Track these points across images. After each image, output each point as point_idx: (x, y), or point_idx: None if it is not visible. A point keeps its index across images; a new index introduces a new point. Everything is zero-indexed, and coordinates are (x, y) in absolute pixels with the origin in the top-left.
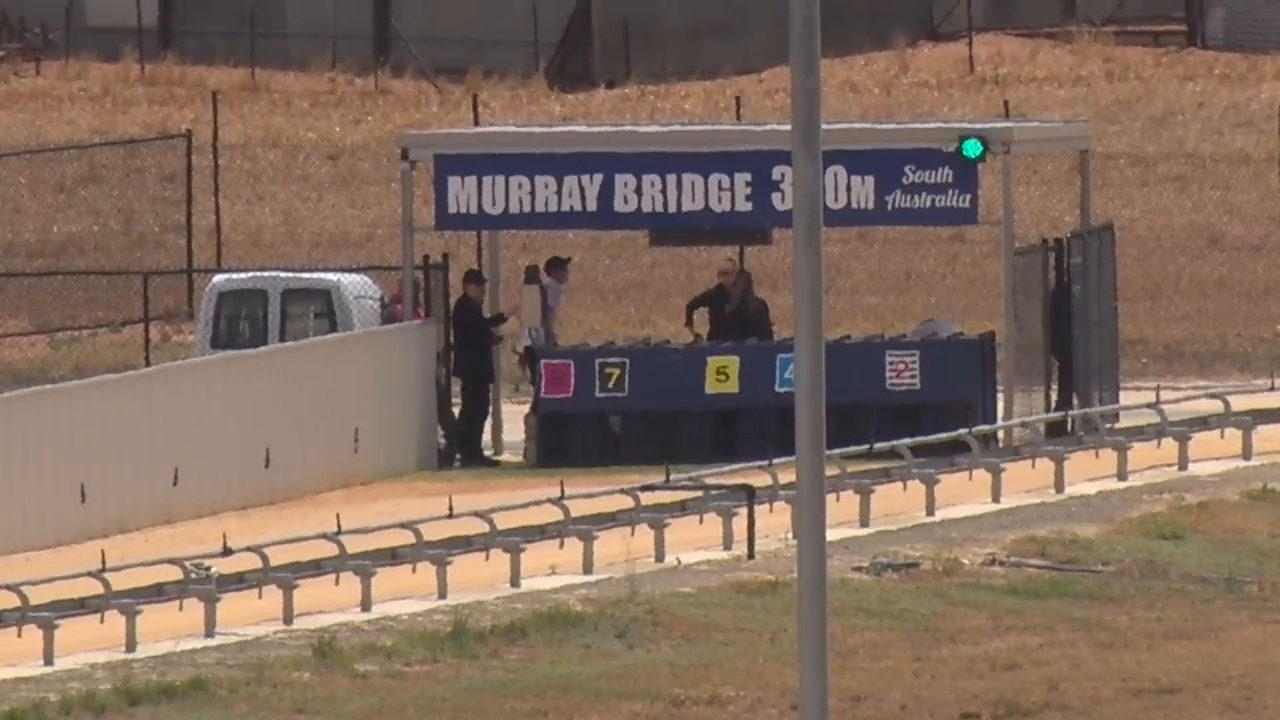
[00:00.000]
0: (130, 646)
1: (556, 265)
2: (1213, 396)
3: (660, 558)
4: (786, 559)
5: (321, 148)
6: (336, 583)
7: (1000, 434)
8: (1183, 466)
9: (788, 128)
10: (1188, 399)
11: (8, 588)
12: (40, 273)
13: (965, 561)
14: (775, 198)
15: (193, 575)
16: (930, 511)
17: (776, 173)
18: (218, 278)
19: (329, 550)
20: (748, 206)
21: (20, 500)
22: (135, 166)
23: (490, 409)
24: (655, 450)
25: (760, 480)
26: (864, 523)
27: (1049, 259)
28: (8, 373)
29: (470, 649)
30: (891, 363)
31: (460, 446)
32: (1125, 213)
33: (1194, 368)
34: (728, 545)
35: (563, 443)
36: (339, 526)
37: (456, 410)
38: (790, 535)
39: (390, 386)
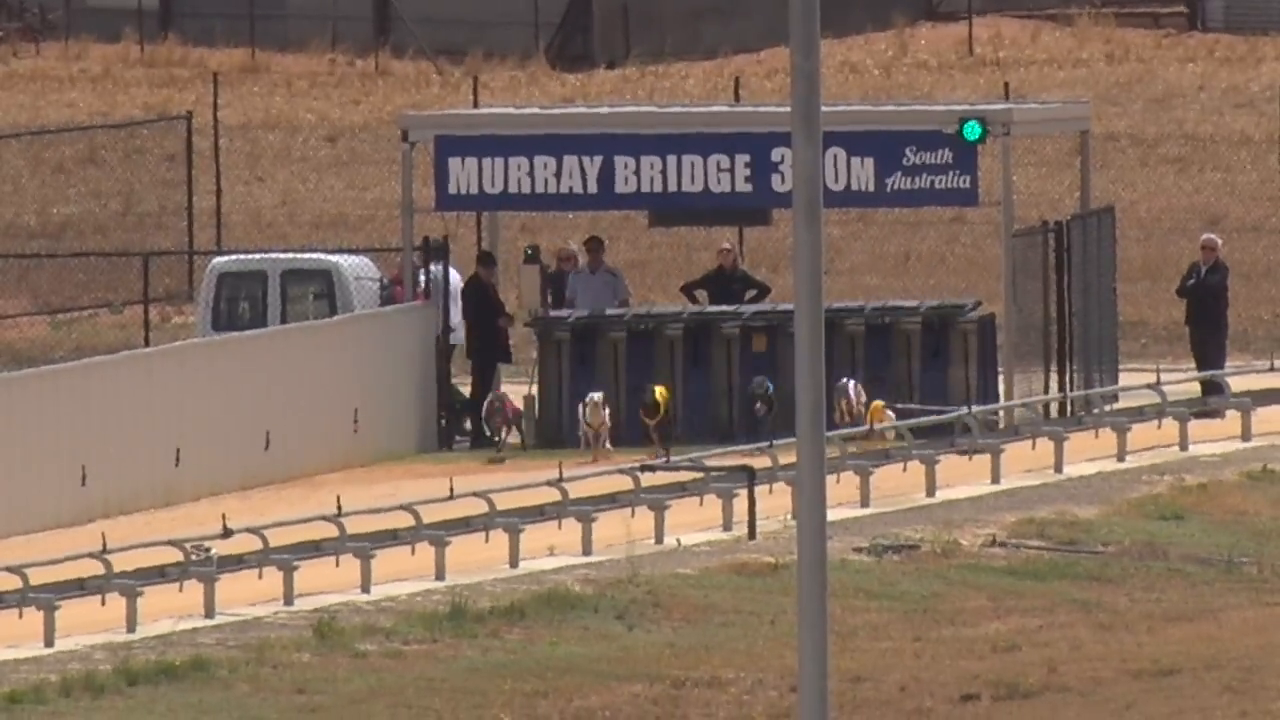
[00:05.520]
0: (130, 627)
1: (596, 248)
2: (1212, 377)
3: (660, 539)
4: (787, 540)
5: (321, 129)
6: (336, 564)
7: (1000, 415)
8: (1183, 447)
9: (787, 109)
10: (1188, 380)
11: (8, 569)
12: (41, 254)
13: (965, 543)
14: (775, 179)
15: (193, 556)
16: (930, 493)
17: (776, 154)
18: (218, 259)
19: (329, 531)
20: (747, 188)
21: (21, 481)
22: (135, 148)
23: (492, 389)
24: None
25: (760, 462)
26: (864, 504)
27: (1049, 241)
28: (8, 353)
29: (469, 629)
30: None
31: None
32: (1125, 194)
33: None
34: (728, 527)
35: (562, 424)
36: (339, 508)
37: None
38: (790, 517)
39: (390, 368)
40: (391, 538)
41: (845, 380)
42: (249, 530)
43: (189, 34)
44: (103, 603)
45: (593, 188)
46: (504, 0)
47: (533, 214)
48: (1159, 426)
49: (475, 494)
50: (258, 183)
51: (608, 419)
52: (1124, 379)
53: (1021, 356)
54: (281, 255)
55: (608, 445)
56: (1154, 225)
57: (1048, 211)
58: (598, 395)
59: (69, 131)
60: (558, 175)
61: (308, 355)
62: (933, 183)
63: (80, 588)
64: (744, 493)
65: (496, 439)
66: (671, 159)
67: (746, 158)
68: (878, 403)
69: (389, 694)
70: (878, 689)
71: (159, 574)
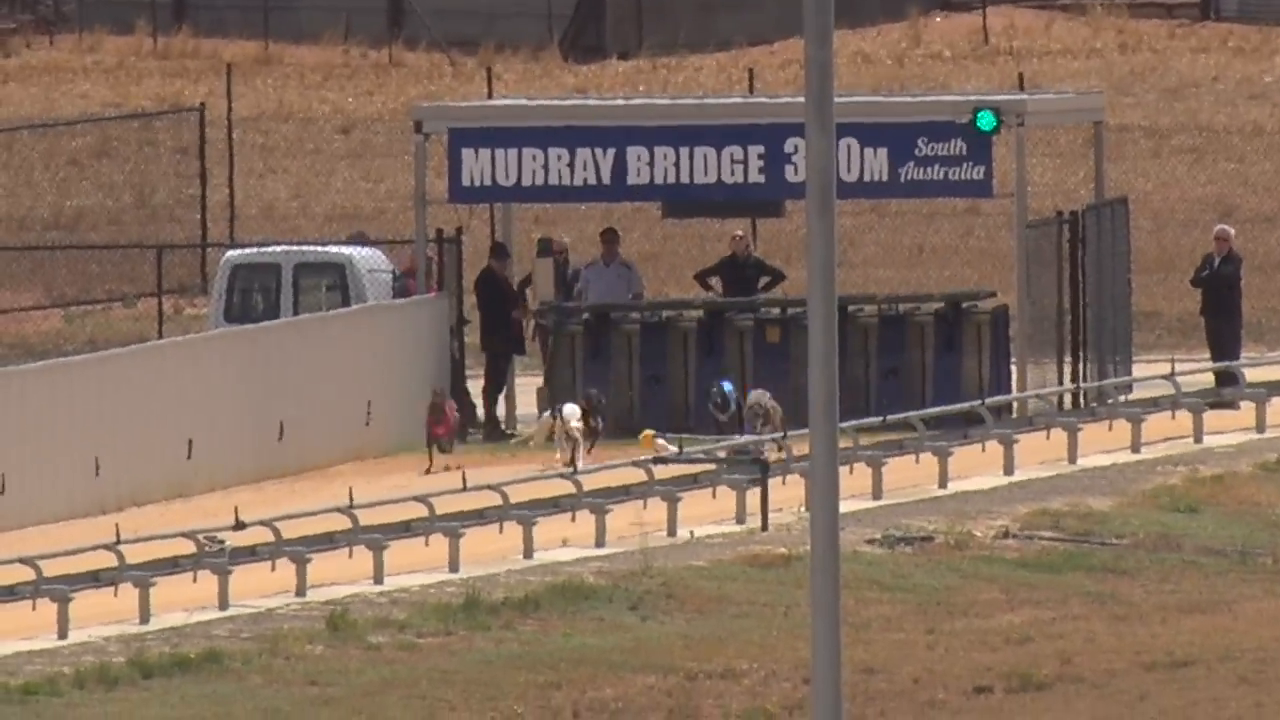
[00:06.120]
0: (144, 619)
1: (611, 240)
2: (1227, 368)
3: (673, 531)
4: (799, 532)
5: (335, 121)
6: (349, 555)
7: (1014, 406)
8: (1197, 439)
9: (800, 100)
10: (1202, 371)
11: (22, 560)
12: (54, 246)
13: (978, 534)
14: (788, 170)
15: (206, 548)
16: (943, 484)
17: (789, 145)
18: (231, 251)
19: (342, 523)
20: (760, 179)
21: (35, 473)
22: (148, 140)
23: (506, 382)
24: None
25: (773, 453)
26: (876, 496)
27: (1063, 231)
28: (22, 346)
29: (483, 621)
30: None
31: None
32: (1139, 185)
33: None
34: (741, 518)
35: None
36: (351, 499)
37: (471, 383)
38: (803, 508)
39: (403, 360)
40: (405, 529)
41: (720, 383)
42: (262, 522)
43: (202, 26)
44: (116, 594)
45: (606, 179)
46: None
47: (546, 206)
48: (1173, 418)
49: (489, 486)
50: (271, 175)
51: (580, 425)
52: (1138, 370)
53: (1035, 347)
54: (295, 247)
55: (590, 448)
56: (1168, 216)
57: (1062, 202)
58: (568, 409)
59: (82, 123)
60: (571, 167)
61: (320, 347)
62: (946, 174)
63: (94, 579)
64: (757, 484)
65: (435, 444)
66: (685, 150)
67: (760, 149)
68: (648, 431)
69: (402, 686)
70: (891, 681)
71: (172, 565)
